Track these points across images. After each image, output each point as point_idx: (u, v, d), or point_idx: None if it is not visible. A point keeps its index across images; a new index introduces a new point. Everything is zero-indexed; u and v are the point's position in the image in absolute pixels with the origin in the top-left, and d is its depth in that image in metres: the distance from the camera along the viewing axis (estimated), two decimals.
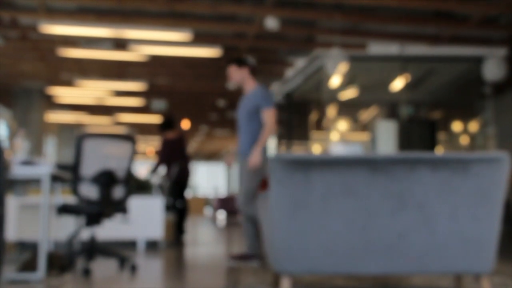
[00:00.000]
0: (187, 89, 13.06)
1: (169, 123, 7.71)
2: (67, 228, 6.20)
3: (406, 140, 9.61)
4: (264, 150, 4.96)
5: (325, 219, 2.73)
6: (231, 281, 3.86)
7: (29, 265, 4.11)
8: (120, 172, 4.50)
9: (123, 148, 4.52)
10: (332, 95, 10.19)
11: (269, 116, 4.87)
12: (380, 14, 7.94)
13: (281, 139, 12.79)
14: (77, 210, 4.40)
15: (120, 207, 4.57)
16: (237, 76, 5.06)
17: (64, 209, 4.41)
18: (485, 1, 7.31)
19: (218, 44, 9.24)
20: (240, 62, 5.07)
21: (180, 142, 7.74)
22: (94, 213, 4.42)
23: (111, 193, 4.44)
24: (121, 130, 19.23)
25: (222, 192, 26.79)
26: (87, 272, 4.15)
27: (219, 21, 8.24)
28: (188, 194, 7.97)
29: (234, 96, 13.56)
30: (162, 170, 7.76)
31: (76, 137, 4.34)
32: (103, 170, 4.37)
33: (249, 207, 4.89)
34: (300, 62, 10.19)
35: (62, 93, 13.24)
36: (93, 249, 4.47)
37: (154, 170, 7.69)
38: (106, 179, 4.38)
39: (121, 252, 4.94)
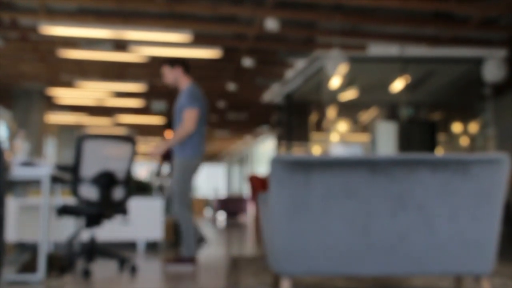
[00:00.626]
0: None
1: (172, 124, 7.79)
2: (67, 229, 6.20)
3: (406, 141, 9.61)
4: (193, 151, 4.90)
5: (325, 220, 2.73)
6: (231, 282, 3.86)
7: (29, 266, 4.11)
8: (120, 173, 4.50)
9: (123, 149, 4.53)
10: (332, 96, 10.20)
11: (187, 116, 4.85)
12: (380, 15, 7.94)
13: (281, 140, 12.79)
14: (77, 211, 4.40)
15: (120, 208, 4.57)
16: (171, 76, 5.11)
17: (64, 211, 4.41)
18: (485, 2, 7.31)
19: (218, 45, 9.24)
20: (173, 62, 5.12)
21: None
22: (94, 214, 4.42)
23: (111, 194, 4.45)
24: (121, 131, 19.23)
25: (222, 193, 26.79)
26: (87, 274, 4.15)
27: (219, 22, 8.25)
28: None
29: (235, 97, 13.56)
30: (166, 170, 7.81)
31: (76, 138, 4.35)
32: (103, 171, 4.37)
33: (180, 210, 4.84)
34: (300, 63, 10.19)
35: (62, 94, 13.24)
36: (93, 250, 4.47)
37: (158, 173, 7.75)
38: (106, 180, 4.38)
39: (121, 253, 4.94)
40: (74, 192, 4.33)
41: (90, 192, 4.35)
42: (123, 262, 4.56)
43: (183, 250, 4.85)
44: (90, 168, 4.33)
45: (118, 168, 4.49)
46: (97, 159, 4.36)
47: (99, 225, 4.52)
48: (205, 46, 9.19)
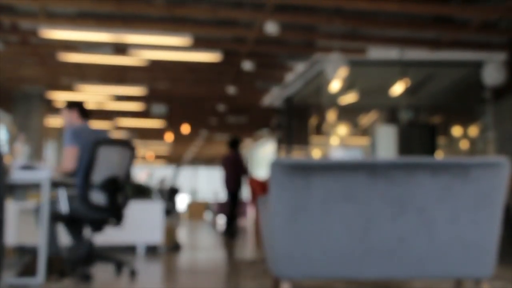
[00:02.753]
0: (187, 94, 13.06)
1: (231, 143, 9.57)
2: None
3: (406, 145, 9.60)
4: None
5: (325, 224, 2.72)
6: (230, 286, 3.86)
7: (29, 270, 4.11)
8: (122, 178, 4.54)
9: (125, 154, 4.56)
10: (332, 100, 10.20)
11: (64, 155, 4.66)
12: (380, 18, 7.94)
13: (281, 144, 12.78)
14: (85, 218, 4.44)
15: (121, 212, 4.60)
16: (67, 119, 4.95)
17: (71, 218, 4.43)
18: (485, 5, 7.32)
19: (218, 49, 9.24)
20: (70, 105, 4.96)
21: (234, 161, 9.48)
22: (103, 219, 4.49)
23: (116, 200, 4.50)
24: (121, 135, 19.25)
25: (222, 197, 26.79)
26: (87, 278, 4.15)
27: (219, 26, 8.25)
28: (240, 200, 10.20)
29: (235, 101, 13.56)
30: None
31: (92, 143, 4.40)
32: (110, 177, 4.43)
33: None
34: (300, 67, 10.19)
35: (62, 98, 13.24)
36: (92, 254, 4.48)
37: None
38: (113, 186, 4.45)
39: (118, 257, 4.93)
40: (84, 198, 4.35)
41: (98, 198, 4.40)
42: (121, 266, 4.55)
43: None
44: (100, 174, 4.40)
45: (121, 173, 4.53)
46: (106, 165, 4.43)
47: (102, 230, 4.57)
48: (205, 49, 9.19)
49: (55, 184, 4.43)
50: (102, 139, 4.49)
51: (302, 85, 10.80)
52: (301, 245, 2.72)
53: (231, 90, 12.02)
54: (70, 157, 4.58)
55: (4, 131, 13.59)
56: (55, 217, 4.40)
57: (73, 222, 4.54)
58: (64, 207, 4.38)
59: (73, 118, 4.91)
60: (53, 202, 4.41)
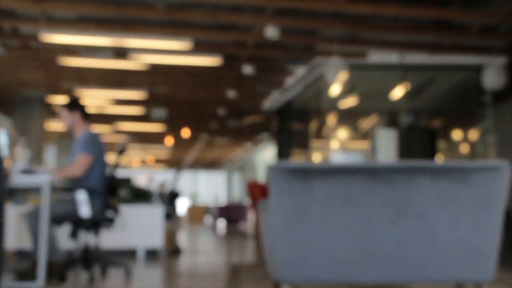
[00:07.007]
0: (187, 98, 13.07)
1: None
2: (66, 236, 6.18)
3: (406, 149, 9.60)
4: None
5: (325, 228, 2.72)
6: None
7: (29, 274, 4.10)
8: None
9: None
10: (332, 104, 10.20)
11: (78, 161, 4.55)
12: (379, 22, 7.95)
13: (281, 147, 12.78)
14: (103, 219, 4.66)
15: None
16: (67, 120, 4.82)
17: (94, 222, 4.58)
18: (485, 9, 7.33)
19: (218, 53, 9.25)
20: (72, 106, 4.83)
21: None
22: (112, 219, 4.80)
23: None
24: (121, 139, 19.26)
25: (222, 201, 26.78)
26: (91, 280, 4.15)
27: (219, 30, 8.26)
28: None
29: (235, 105, 13.57)
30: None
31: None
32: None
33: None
34: (300, 71, 10.20)
35: (62, 102, 13.23)
36: (90, 257, 4.50)
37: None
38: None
39: (115, 259, 4.93)
40: (106, 200, 4.70)
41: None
42: (129, 270, 4.56)
43: None
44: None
45: None
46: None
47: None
48: (205, 53, 9.20)
49: (67, 189, 4.53)
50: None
51: (302, 89, 10.81)
52: (301, 249, 2.72)
53: (231, 94, 12.02)
54: (84, 165, 4.56)
55: (4, 135, 13.59)
56: (75, 221, 4.45)
57: (93, 225, 4.57)
58: (86, 210, 4.39)
59: (76, 120, 4.82)
60: (54, 206, 4.41)
